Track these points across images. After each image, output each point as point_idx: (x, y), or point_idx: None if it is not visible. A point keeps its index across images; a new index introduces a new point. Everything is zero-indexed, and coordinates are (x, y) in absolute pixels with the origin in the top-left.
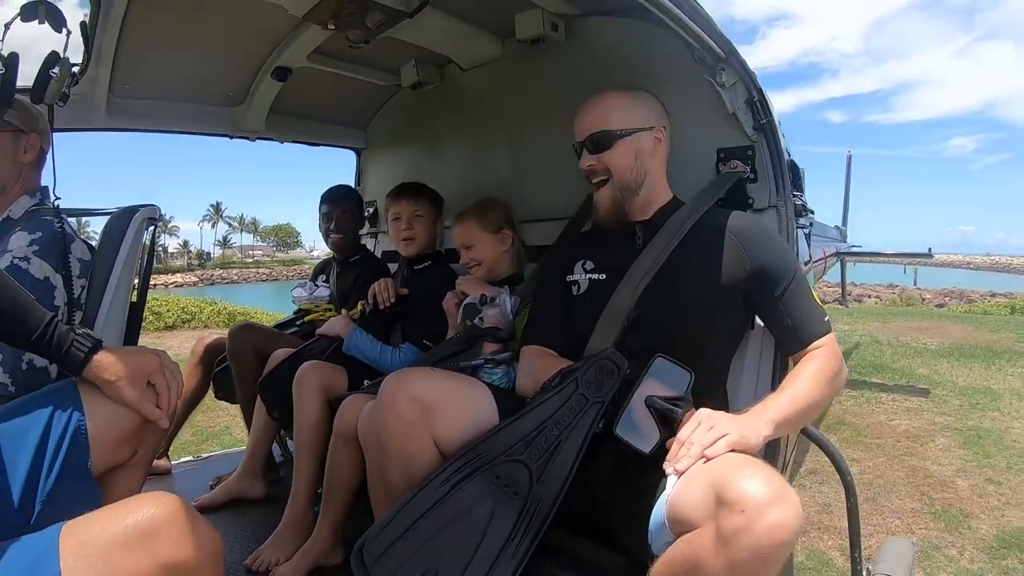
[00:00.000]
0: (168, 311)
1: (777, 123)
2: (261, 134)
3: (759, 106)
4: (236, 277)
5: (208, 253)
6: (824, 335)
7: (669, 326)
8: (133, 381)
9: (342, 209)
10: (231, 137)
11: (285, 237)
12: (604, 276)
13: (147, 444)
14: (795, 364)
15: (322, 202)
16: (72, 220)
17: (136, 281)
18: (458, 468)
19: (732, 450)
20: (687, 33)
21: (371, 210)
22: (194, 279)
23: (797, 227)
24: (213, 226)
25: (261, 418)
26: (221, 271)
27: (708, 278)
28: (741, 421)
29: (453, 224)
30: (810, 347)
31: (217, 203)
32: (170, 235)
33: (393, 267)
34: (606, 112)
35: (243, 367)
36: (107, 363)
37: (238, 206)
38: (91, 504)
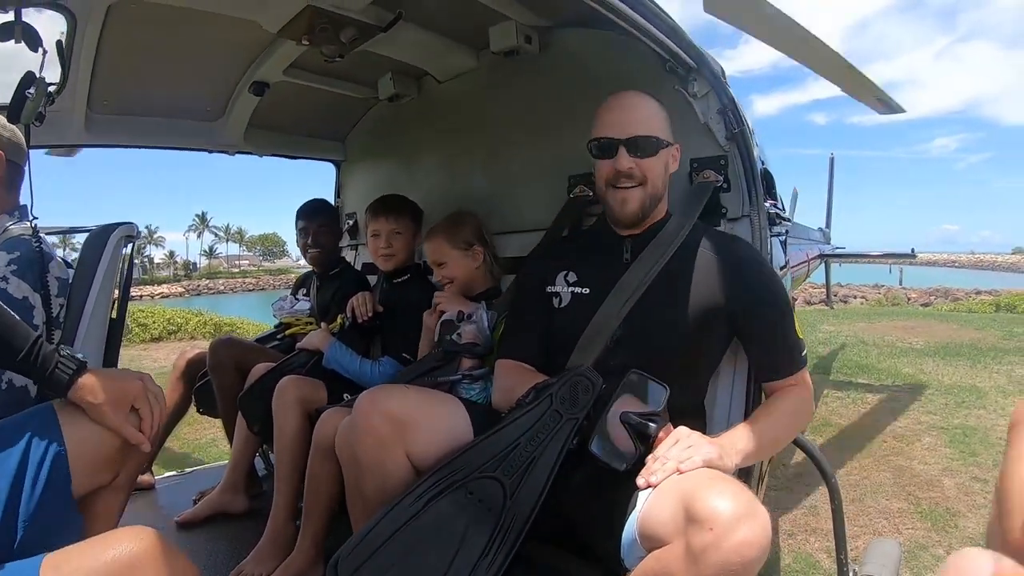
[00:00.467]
0: (154, 323)
1: (750, 132)
2: (240, 148)
3: (731, 115)
4: (223, 287)
5: (194, 263)
6: (799, 371)
7: (653, 345)
8: (117, 405)
9: (318, 223)
10: (210, 152)
11: (271, 246)
12: (588, 291)
13: (129, 467)
14: (767, 394)
15: (298, 218)
16: (57, 237)
17: (116, 297)
18: (432, 484)
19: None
20: (655, 44)
21: (351, 223)
22: (180, 289)
23: (772, 235)
24: (199, 236)
25: (242, 432)
26: (208, 281)
27: (696, 299)
28: (717, 445)
29: (424, 241)
30: (785, 381)
31: (203, 213)
32: (156, 246)
33: (373, 279)
34: (650, 116)
35: (223, 381)
36: (92, 386)
37: (224, 216)
38: (73, 526)
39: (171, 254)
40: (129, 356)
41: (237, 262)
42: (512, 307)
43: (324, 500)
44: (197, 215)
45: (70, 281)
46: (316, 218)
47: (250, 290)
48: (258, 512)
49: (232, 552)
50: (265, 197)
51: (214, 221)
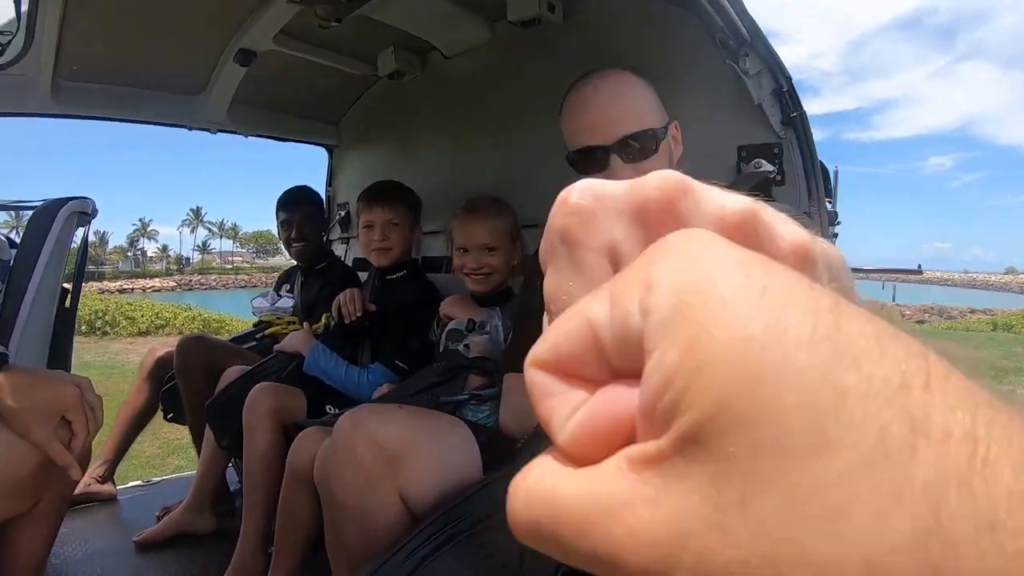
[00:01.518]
0: (142, 316)
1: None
2: (223, 126)
3: (788, 98)
4: (215, 283)
5: (187, 258)
6: None
7: None
8: (44, 415)
9: (301, 214)
10: (189, 128)
11: (265, 244)
12: None
13: (53, 492)
14: None
15: (278, 209)
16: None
17: (68, 284)
18: (432, 535)
19: None
20: (713, 7)
21: (343, 213)
22: (172, 284)
23: (831, 237)
24: (192, 231)
25: (211, 443)
26: (200, 276)
27: None
28: None
29: (470, 219)
30: None
31: (197, 207)
32: (149, 239)
33: (364, 275)
34: (637, 102)
35: (191, 385)
36: (12, 387)
37: (218, 211)
38: None
39: (164, 247)
40: (115, 349)
41: (230, 258)
42: (518, 312)
43: (300, 532)
44: (191, 210)
45: (12, 264)
46: (299, 208)
47: (242, 287)
48: (228, 533)
49: None
50: (260, 190)
51: (208, 216)
